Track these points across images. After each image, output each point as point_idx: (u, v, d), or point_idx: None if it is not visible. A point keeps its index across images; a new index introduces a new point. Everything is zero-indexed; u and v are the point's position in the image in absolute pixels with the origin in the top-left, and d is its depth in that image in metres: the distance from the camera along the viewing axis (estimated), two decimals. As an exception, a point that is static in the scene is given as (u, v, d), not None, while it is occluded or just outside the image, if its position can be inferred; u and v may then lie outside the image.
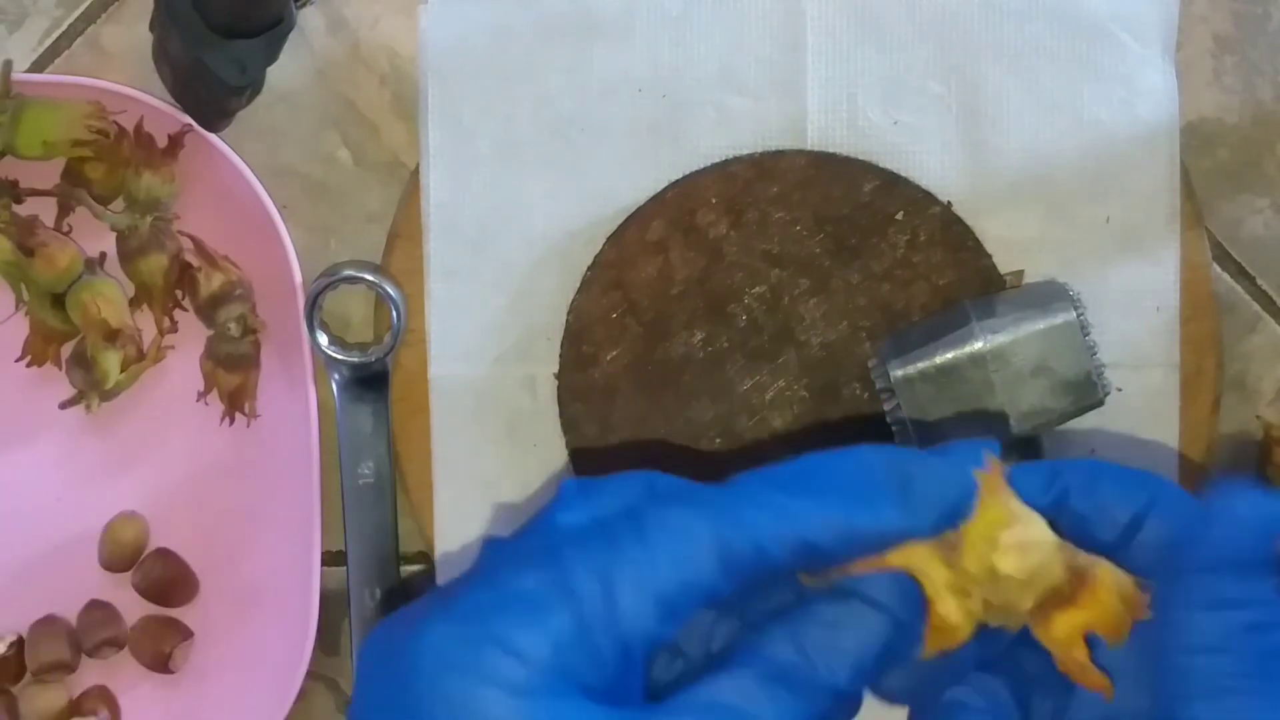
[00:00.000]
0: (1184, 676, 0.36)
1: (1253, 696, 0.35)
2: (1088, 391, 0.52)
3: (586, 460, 0.55)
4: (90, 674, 0.58)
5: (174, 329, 0.56)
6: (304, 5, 0.56)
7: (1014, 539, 0.39)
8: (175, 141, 0.55)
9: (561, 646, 0.36)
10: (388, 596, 0.56)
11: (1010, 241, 0.55)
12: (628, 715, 0.37)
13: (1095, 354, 0.52)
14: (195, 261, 0.56)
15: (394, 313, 0.55)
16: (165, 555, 0.58)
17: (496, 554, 0.39)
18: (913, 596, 0.39)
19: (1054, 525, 0.41)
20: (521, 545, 0.39)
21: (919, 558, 0.39)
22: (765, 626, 0.38)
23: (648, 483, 0.40)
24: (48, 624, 0.57)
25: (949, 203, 0.55)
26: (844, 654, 0.38)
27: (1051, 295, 0.52)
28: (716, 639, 0.41)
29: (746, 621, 0.41)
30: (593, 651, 0.36)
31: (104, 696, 0.58)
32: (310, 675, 0.55)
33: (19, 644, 0.57)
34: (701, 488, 0.39)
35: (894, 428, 0.53)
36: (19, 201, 0.55)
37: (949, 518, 0.39)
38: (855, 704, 0.39)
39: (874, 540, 0.38)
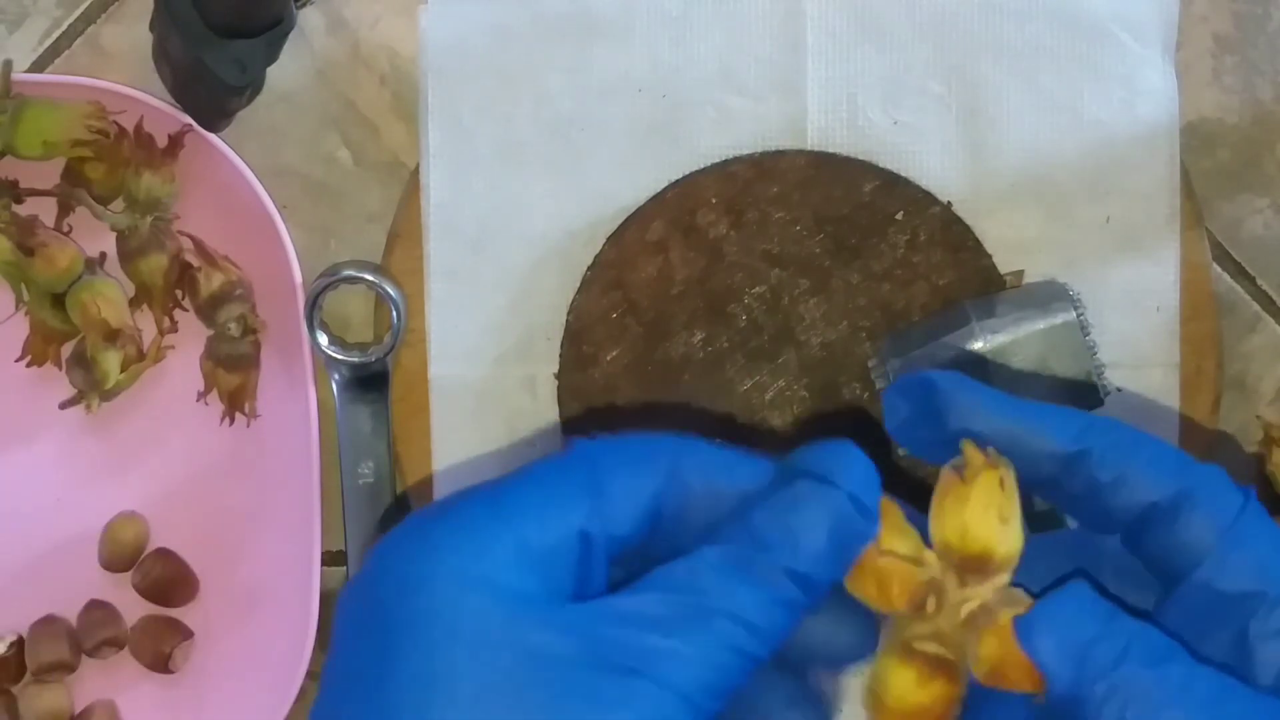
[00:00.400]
0: None
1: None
2: (1088, 392, 0.52)
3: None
4: (90, 674, 0.58)
5: (174, 329, 0.56)
6: (304, 5, 0.56)
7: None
8: (175, 141, 0.55)
9: (524, 541, 0.35)
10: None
11: (1010, 241, 0.55)
12: (568, 609, 0.35)
13: (1095, 354, 0.52)
14: (195, 261, 0.56)
15: (394, 313, 0.55)
16: (165, 555, 0.58)
17: None
18: (874, 483, 0.37)
19: (1062, 484, 0.39)
20: None
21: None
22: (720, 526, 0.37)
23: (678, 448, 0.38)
24: (48, 624, 0.57)
25: (949, 203, 0.55)
26: (797, 533, 0.36)
27: (1051, 295, 0.52)
28: None
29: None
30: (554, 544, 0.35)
31: (108, 711, 0.58)
32: (310, 675, 0.55)
33: (19, 644, 0.57)
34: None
35: (894, 428, 0.53)
36: (19, 201, 0.55)
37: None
38: (819, 592, 0.36)
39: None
